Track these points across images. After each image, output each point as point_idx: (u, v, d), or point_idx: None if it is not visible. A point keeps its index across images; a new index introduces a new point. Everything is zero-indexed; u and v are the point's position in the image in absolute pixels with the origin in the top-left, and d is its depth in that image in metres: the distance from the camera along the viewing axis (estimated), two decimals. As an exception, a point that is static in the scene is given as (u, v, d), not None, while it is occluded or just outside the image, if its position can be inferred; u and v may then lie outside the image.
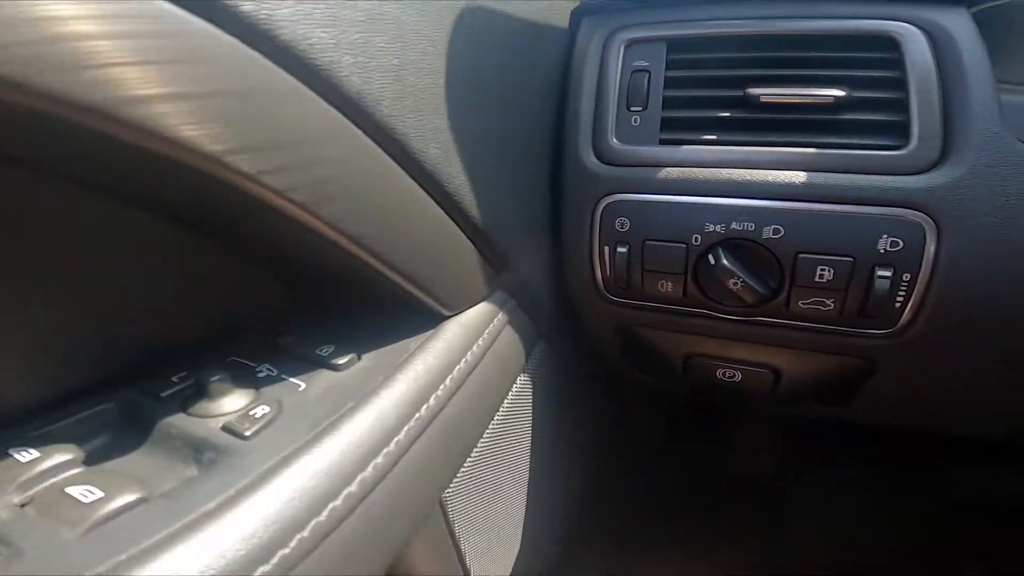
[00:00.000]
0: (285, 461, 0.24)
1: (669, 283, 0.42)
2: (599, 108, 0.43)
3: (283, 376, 0.30)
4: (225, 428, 0.25)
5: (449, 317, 0.36)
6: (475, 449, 0.39)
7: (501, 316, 0.40)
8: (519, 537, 0.47)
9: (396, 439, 0.28)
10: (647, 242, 0.41)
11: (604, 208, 0.42)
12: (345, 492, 0.25)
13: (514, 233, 0.40)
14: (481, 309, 0.38)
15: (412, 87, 0.28)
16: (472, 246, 0.35)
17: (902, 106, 0.36)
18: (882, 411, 0.49)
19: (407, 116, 0.27)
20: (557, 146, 0.45)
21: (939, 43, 0.36)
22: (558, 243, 0.46)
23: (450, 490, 0.36)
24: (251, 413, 0.26)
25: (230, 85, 0.20)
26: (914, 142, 0.35)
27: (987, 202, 0.34)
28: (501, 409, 0.42)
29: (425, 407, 0.31)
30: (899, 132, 0.36)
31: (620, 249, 0.42)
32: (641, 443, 0.79)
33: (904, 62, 0.36)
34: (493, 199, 0.36)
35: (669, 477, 0.78)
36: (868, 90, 0.37)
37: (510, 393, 0.44)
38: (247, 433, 0.25)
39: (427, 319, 0.35)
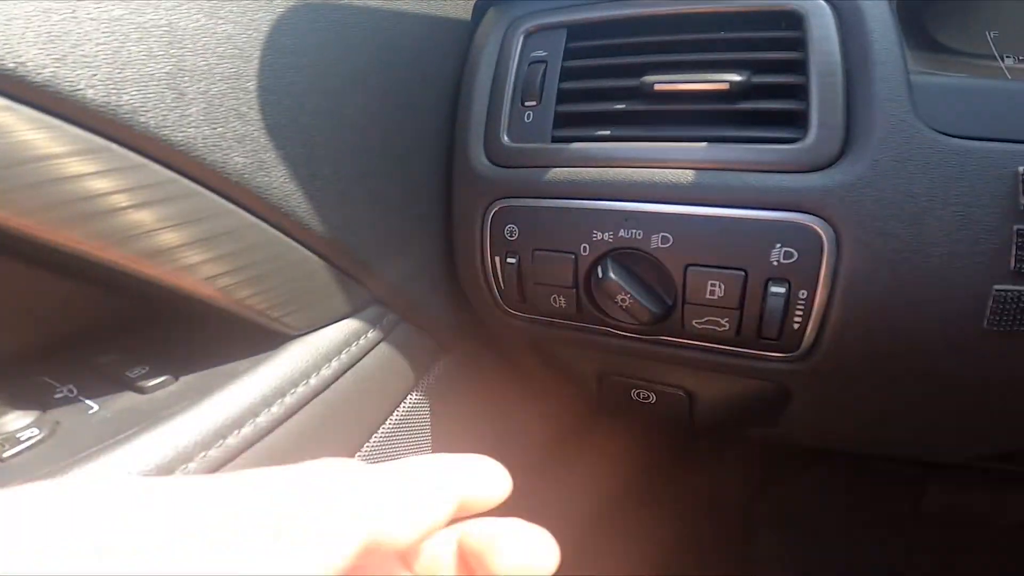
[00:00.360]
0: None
1: (561, 298, 0.38)
2: (493, 104, 0.40)
3: (80, 398, 0.28)
4: (-15, 451, 0.24)
5: (295, 337, 0.33)
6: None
7: (373, 332, 0.37)
8: None
9: (185, 467, 0.26)
10: (536, 252, 0.38)
11: (494, 215, 0.39)
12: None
13: (386, 244, 0.37)
14: (342, 327, 0.35)
15: (200, 94, 0.25)
16: (320, 260, 0.33)
17: (803, 92, 0.31)
18: (813, 435, 0.44)
19: (191, 126, 0.25)
20: (450, 146, 0.41)
21: (846, 18, 0.31)
22: (451, 252, 0.42)
23: None
24: (18, 435, 0.25)
25: None
26: (812, 134, 0.30)
27: (892, 204, 0.29)
28: (380, 431, 0.40)
29: (236, 434, 0.28)
30: (799, 123, 0.31)
31: (510, 260, 0.39)
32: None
33: (807, 41, 0.31)
34: (349, 207, 0.33)
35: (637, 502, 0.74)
36: (768, 75, 0.32)
37: (395, 414, 0.41)
38: (4, 455, 0.24)
39: (266, 340, 0.33)
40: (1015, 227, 0.27)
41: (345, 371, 0.35)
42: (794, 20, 0.32)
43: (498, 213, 0.39)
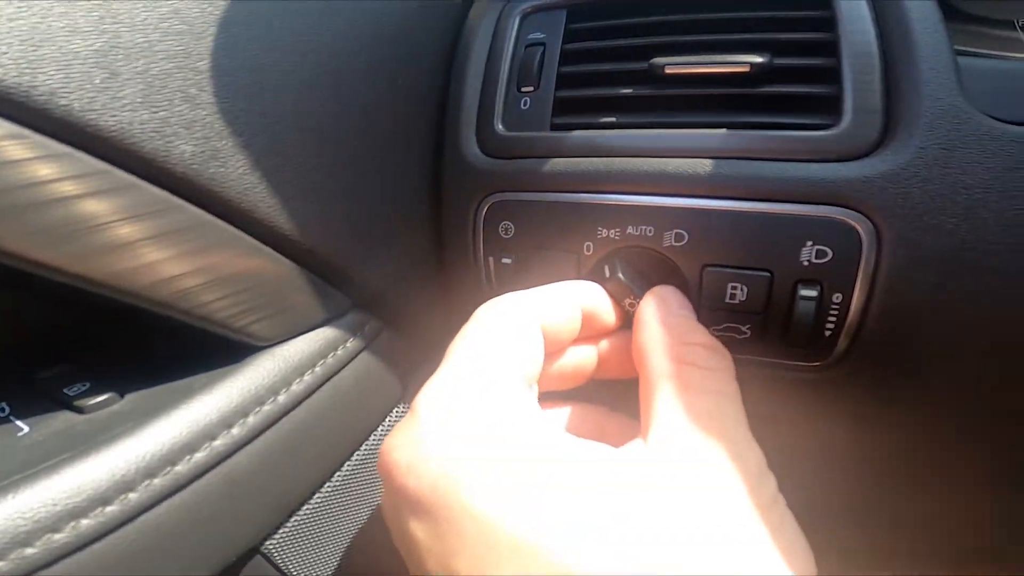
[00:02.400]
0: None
1: (562, 301, 0.34)
2: (486, 90, 0.36)
3: (11, 418, 0.25)
4: None
5: (262, 348, 0.29)
6: (316, 495, 0.33)
7: (353, 341, 0.33)
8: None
9: (124, 497, 0.23)
10: (534, 251, 0.34)
11: (487, 210, 0.35)
12: (15, 556, 0.20)
13: (368, 244, 0.33)
14: (317, 336, 0.32)
15: (138, 74, 0.21)
16: (290, 262, 0.29)
17: (834, 75, 0.28)
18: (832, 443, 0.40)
19: (125, 110, 0.21)
20: (439, 136, 0.38)
21: (881, -6, 0.27)
22: (440, 252, 0.39)
23: (274, 541, 0.31)
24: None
25: None
26: (847, 119, 0.27)
27: (942, 196, 0.25)
28: (364, 448, 0.36)
29: (187, 460, 0.25)
30: (831, 108, 0.28)
31: (505, 260, 0.35)
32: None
33: (836, 20, 0.28)
34: (324, 203, 0.29)
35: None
36: (793, 56, 0.29)
37: (379, 428, 0.37)
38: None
39: (228, 352, 0.29)
40: (1083, 222, 0.24)
41: (320, 385, 0.31)
42: (820, -3, 0.29)
43: (492, 208, 0.35)
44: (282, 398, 0.29)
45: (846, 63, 0.27)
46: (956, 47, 0.27)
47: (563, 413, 0.30)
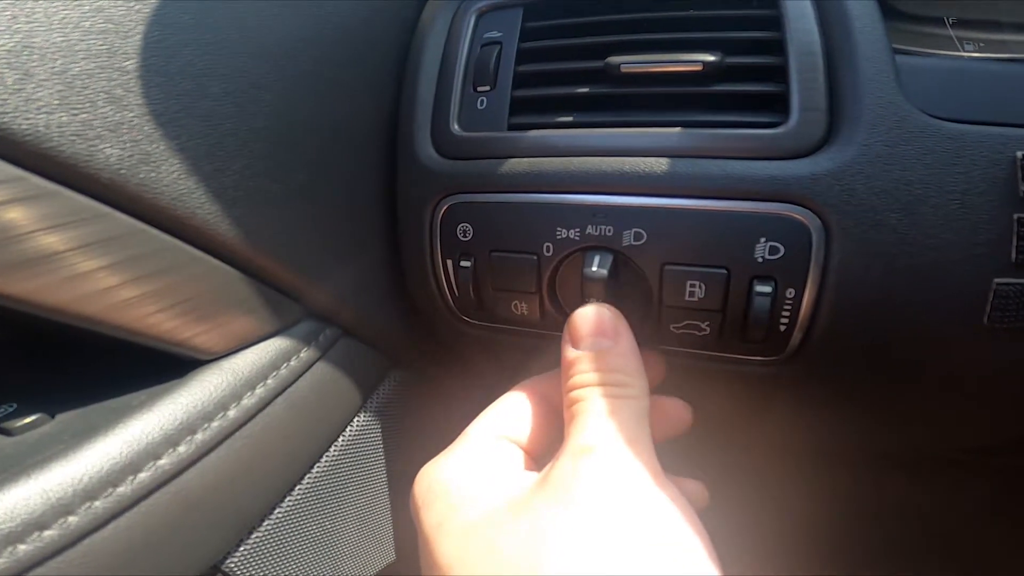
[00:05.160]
0: None
1: (523, 304, 0.34)
2: (441, 90, 0.36)
3: None
4: None
5: (208, 362, 0.28)
6: (277, 509, 0.32)
7: (308, 351, 0.32)
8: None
9: (64, 521, 0.21)
10: (493, 254, 0.33)
11: (444, 212, 0.34)
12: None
13: (322, 252, 0.32)
14: (268, 347, 0.30)
15: (55, 75, 0.20)
16: (235, 271, 0.28)
17: (782, 73, 0.28)
18: (792, 437, 0.41)
19: (41, 112, 0.20)
20: (393, 138, 0.37)
21: (823, -7, 0.28)
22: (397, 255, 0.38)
23: (236, 559, 0.29)
24: None
25: None
26: (794, 117, 0.27)
27: (885, 192, 0.26)
28: (324, 460, 0.35)
29: (130, 480, 0.23)
30: (779, 106, 0.28)
31: (463, 263, 0.34)
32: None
33: (783, 19, 0.28)
34: (273, 208, 0.28)
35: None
36: (743, 55, 0.29)
37: (340, 439, 0.36)
38: None
39: (172, 367, 0.27)
40: (1015, 215, 0.25)
41: (275, 397, 0.30)
42: (768, -5, 0.29)
43: (449, 211, 0.34)
44: (233, 413, 0.28)
45: (792, 61, 0.28)
46: (894, 46, 0.28)
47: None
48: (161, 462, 0.25)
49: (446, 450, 0.26)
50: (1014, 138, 0.25)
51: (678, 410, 0.30)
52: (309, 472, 0.34)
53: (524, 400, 0.28)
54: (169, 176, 0.23)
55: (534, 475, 0.23)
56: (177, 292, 0.25)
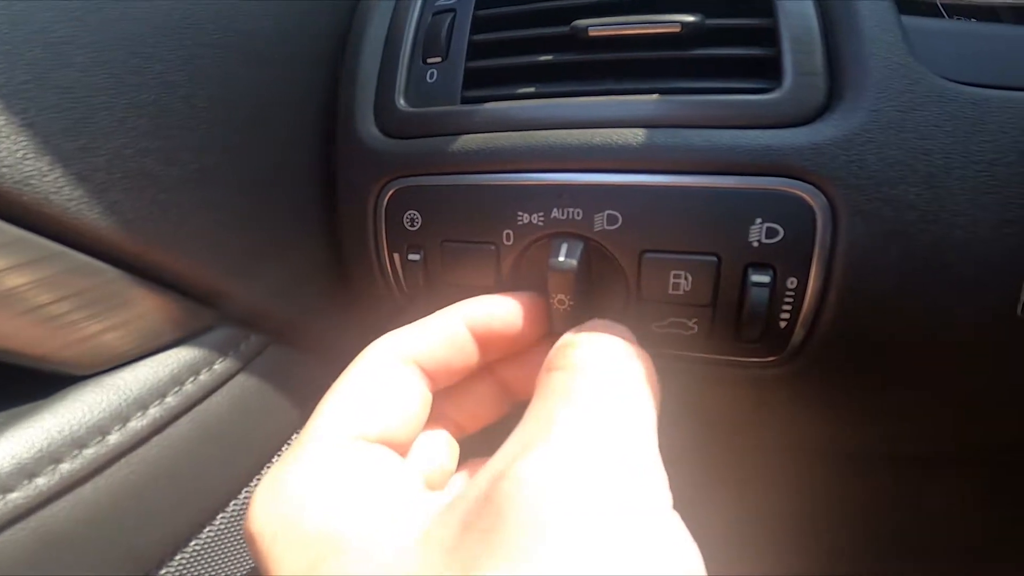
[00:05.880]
0: None
1: (481, 301, 0.29)
2: (387, 61, 0.31)
3: None
4: None
5: (84, 379, 0.23)
6: (193, 541, 0.27)
7: (225, 362, 0.27)
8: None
9: None
10: (445, 244, 0.29)
11: (389, 199, 0.30)
12: None
13: (234, 246, 0.27)
14: (168, 358, 0.25)
15: None
16: (114, 271, 0.22)
17: (771, 35, 0.24)
18: (786, 439, 0.37)
19: None
20: (332, 116, 0.32)
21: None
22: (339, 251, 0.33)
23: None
24: None
25: None
26: (788, 81, 0.23)
27: (901, 164, 0.22)
28: (255, 482, 0.29)
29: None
30: (770, 70, 0.24)
31: (412, 256, 0.30)
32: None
33: (771, -25, 0.25)
34: (169, 194, 0.23)
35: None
36: (727, 16, 0.25)
37: (275, 458, 0.31)
38: None
39: (37, 385, 0.22)
40: (1053, 187, 0.21)
41: (177, 417, 0.25)
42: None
43: (395, 196, 0.30)
44: (115, 437, 0.22)
45: (783, 22, 0.24)
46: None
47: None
48: (13, 495, 0.19)
49: (282, 460, 0.18)
50: (1044, 102, 0.21)
51: None
52: (236, 499, 0.29)
53: (378, 371, 0.21)
54: (12, 156, 0.18)
55: (436, 496, 0.17)
56: (32, 296, 0.20)
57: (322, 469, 0.17)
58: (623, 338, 0.20)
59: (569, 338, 0.20)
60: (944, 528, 0.43)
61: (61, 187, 0.19)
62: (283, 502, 0.16)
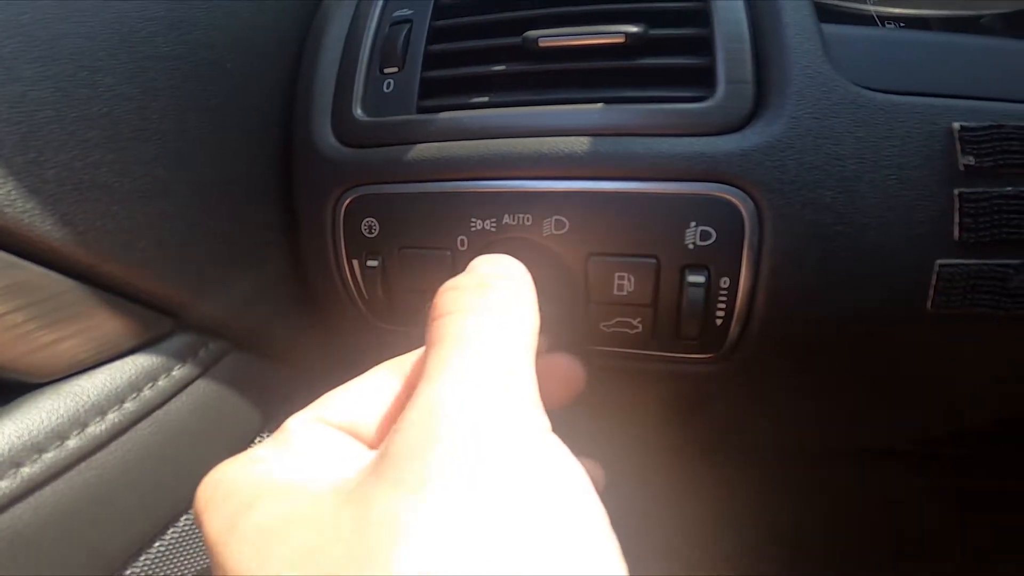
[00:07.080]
0: None
1: (439, 305, 0.30)
2: (344, 71, 0.32)
3: None
4: None
5: (41, 386, 0.23)
6: (170, 530, 0.27)
7: (183, 369, 0.28)
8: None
9: None
10: (403, 250, 0.30)
11: (347, 207, 0.31)
12: None
13: (192, 254, 0.27)
14: (126, 365, 0.25)
15: None
16: (68, 281, 0.23)
17: (707, 45, 0.26)
18: (729, 437, 0.39)
19: None
20: (289, 126, 0.33)
21: (748, -40, 0.26)
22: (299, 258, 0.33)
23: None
24: None
25: None
26: (720, 89, 0.25)
27: (818, 168, 0.24)
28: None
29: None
30: (705, 79, 0.26)
31: (371, 263, 0.30)
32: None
33: (707, -13, 0.26)
34: (126, 205, 0.24)
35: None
36: (668, 27, 0.27)
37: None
38: None
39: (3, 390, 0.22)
40: (956, 191, 0.23)
41: (136, 422, 0.25)
42: (692, -36, 0.27)
43: (352, 204, 0.30)
44: (74, 442, 0.23)
45: (717, 32, 0.26)
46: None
47: None
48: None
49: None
50: (949, 109, 0.23)
51: (567, 367, 0.24)
52: (189, 511, 0.29)
53: (368, 382, 0.21)
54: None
55: (369, 455, 0.17)
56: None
57: (266, 445, 0.18)
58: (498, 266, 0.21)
59: (446, 284, 0.20)
60: (885, 523, 0.45)
61: (13, 200, 0.20)
62: (219, 474, 0.17)
